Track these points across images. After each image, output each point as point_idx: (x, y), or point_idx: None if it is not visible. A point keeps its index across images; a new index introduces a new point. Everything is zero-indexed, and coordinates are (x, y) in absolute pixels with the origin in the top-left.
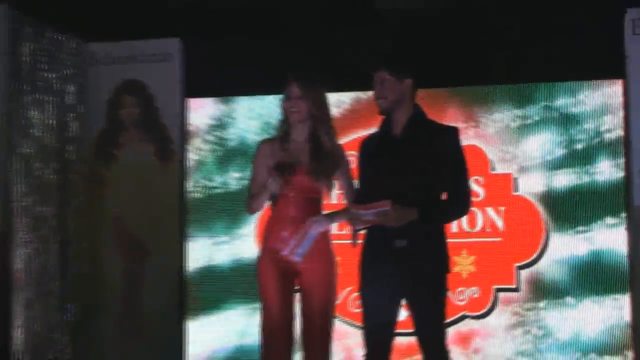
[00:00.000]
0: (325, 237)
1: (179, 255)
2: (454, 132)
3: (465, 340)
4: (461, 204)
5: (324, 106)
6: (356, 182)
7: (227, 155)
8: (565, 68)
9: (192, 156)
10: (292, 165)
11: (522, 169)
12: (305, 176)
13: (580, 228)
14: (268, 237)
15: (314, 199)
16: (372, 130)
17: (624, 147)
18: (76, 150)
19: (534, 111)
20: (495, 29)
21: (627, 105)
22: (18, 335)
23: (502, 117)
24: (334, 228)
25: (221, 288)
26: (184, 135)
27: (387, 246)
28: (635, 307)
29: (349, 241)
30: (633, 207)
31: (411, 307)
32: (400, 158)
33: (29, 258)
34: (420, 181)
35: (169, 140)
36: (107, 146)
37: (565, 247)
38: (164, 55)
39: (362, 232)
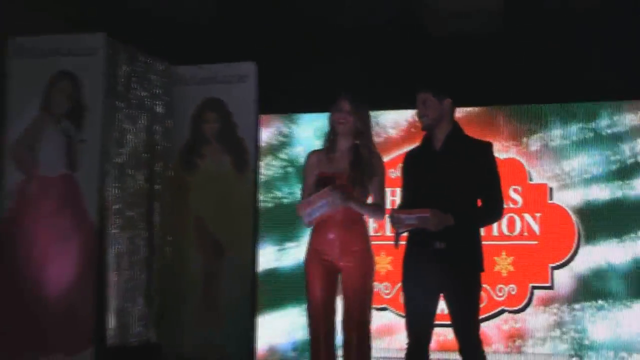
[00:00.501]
0: (364, 238)
1: (251, 255)
2: (488, 146)
3: (499, 331)
4: (494, 210)
5: (367, 122)
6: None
7: (294, 169)
8: (604, 88)
9: (263, 170)
10: (330, 179)
11: (559, 182)
12: (347, 182)
13: (613, 239)
14: (314, 238)
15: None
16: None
17: None
18: (163, 159)
19: (572, 130)
20: (536, 50)
21: None
22: (111, 321)
23: (542, 136)
24: (385, 232)
25: (285, 288)
26: (257, 148)
27: (428, 247)
28: None
29: (392, 242)
30: None
31: (448, 301)
32: (439, 169)
33: (121, 254)
34: (457, 190)
35: (245, 152)
36: (191, 156)
37: (597, 253)
38: (241, 77)
39: (404, 234)
